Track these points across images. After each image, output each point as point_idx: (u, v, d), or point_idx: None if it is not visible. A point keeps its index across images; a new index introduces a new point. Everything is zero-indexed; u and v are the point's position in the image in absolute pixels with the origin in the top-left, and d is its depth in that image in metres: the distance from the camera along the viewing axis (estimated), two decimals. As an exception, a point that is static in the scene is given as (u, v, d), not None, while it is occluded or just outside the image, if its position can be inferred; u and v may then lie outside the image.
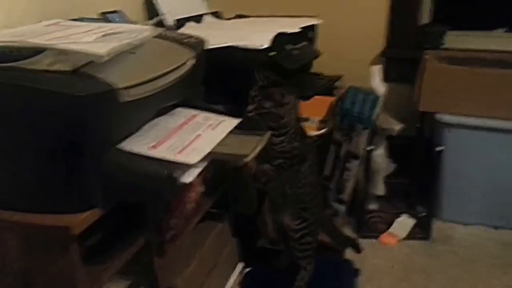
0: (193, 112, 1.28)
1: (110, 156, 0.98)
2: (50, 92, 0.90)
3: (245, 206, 1.68)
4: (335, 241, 1.82)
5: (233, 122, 1.27)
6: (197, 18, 2.01)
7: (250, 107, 1.47)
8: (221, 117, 1.28)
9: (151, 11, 1.95)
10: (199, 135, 1.17)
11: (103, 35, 1.06)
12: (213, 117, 1.27)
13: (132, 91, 0.97)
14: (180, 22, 1.90)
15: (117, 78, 0.97)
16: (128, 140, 1.06)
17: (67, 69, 0.95)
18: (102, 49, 0.92)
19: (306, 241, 1.63)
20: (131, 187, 1.00)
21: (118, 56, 1.03)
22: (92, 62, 0.97)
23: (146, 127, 1.14)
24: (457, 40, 2.42)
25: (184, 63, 1.23)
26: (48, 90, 0.90)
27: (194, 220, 1.43)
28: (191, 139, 1.14)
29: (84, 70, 0.96)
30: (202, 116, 1.27)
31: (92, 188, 0.98)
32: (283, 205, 1.62)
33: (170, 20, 1.87)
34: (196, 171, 1.07)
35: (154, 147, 1.07)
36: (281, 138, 1.49)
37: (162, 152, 1.05)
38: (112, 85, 0.94)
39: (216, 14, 2.15)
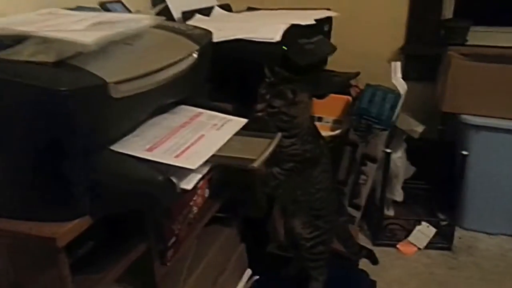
0: (197, 110, 1.18)
1: (99, 159, 0.87)
2: (30, 86, 0.80)
3: (254, 209, 1.64)
4: (349, 251, 1.73)
5: (240, 122, 1.17)
6: (206, 11, 1.92)
7: (259, 106, 1.37)
8: (227, 117, 1.18)
9: (157, 3, 1.84)
10: (202, 136, 1.06)
11: (95, 24, 0.95)
12: (219, 117, 1.18)
13: (123, 87, 0.87)
14: (187, 15, 1.80)
15: (107, 71, 0.86)
16: (122, 141, 0.96)
17: (51, 60, 0.84)
18: (89, 37, 0.81)
19: (318, 250, 1.55)
20: (124, 194, 0.89)
21: (111, 47, 0.93)
22: (81, 53, 0.87)
23: (143, 127, 1.04)
24: (481, 36, 2.31)
25: (187, 57, 1.12)
26: (27, 84, 0.80)
27: (199, 225, 1.38)
28: (192, 140, 1.03)
29: (70, 62, 0.85)
30: (206, 115, 1.17)
31: (80, 195, 0.88)
32: (294, 212, 1.53)
33: (176, 12, 1.76)
34: (197, 177, 0.96)
35: (150, 149, 0.96)
36: (292, 140, 1.40)
37: (158, 154, 0.95)
38: (101, 79, 0.83)
39: (225, 7, 2.05)
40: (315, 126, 1.49)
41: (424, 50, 2.33)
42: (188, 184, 0.94)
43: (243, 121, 1.17)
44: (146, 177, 0.87)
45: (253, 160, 1.00)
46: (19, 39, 0.88)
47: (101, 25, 0.95)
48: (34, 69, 0.83)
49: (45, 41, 0.86)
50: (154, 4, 1.83)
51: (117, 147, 0.93)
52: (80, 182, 0.86)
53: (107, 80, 0.84)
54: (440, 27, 2.32)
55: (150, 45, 1.07)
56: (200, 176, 0.96)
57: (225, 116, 1.18)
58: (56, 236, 0.83)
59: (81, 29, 0.91)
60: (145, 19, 1.07)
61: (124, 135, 0.96)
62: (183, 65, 1.09)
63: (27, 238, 0.86)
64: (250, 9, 2.14)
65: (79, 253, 1.00)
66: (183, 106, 1.18)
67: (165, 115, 1.12)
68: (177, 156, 0.95)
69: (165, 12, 1.74)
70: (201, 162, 0.95)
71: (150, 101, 0.99)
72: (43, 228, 0.86)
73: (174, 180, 0.90)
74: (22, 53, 0.85)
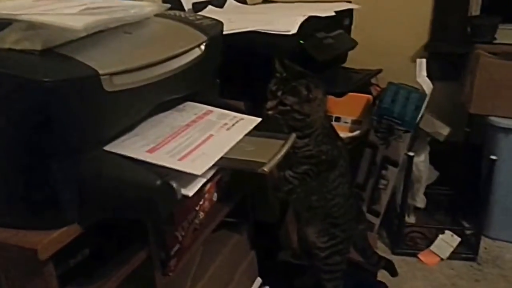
0: (206, 108, 1.08)
1: (90, 160, 0.78)
2: (10, 76, 0.70)
3: (267, 213, 1.58)
4: (368, 261, 1.64)
5: (253, 121, 1.07)
6: (219, 3, 1.82)
7: (269, 104, 1.26)
8: (239, 115, 1.08)
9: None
10: (210, 136, 0.96)
11: (91, 8, 0.85)
12: (230, 115, 1.07)
13: (118, 79, 0.77)
14: (198, 6, 1.71)
15: (100, 61, 0.77)
16: (120, 141, 0.86)
17: (37, 48, 0.75)
18: (79, 22, 0.71)
19: (334, 261, 1.46)
20: (117, 199, 0.79)
21: (107, 36, 0.84)
22: (71, 41, 0.78)
23: (145, 125, 0.94)
24: (510, 34, 2.23)
25: (193, 49, 1.02)
26: (9, 74, 0.71)
27: (206, 232, 1.29)
28: (199, 141, 0.93)
29: (58, 51, 0.75)
30: (216, 113, 1.07)
31: (67, 200, 0.78)
32: (308, 219, 1.44)
33: (187, 3, 1.68)
34: (201, 181, 0.86)
35: (151, 150, 0.86)
36: (306, 140, 1.29)
37: (160, 156, 0.85)
38: (92, 69, 0.74)
39: (240, -1, 1.96)
40: (331, 126, 1.40)
41: (449, 48, 2.25)
42: (190, 189, 0.84)
43: (256, 120, 1.07)
44: (142, 181, 0.77)
45: (263, 164, 0.90)
46: (2, 25, 0.79)
47: (97, 10, 0.85)
48: (17, 58, 0.74)
49: (31, 26, 0.77)
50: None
51: (113, 148, 0.83)
52: (67, 186, 0.76)
53: (100, 72, 0.74)
54: (467, 24, 2.24)
55: (152, 34, 0.98)
56: (204, 180, 0.86)
57: (236, 115, 1.08)
58: (38, 247, 0.74)
59: (74, 13, 0.81)
60: (148, 7, 0.98)
61: (120, 134, 0.86)
62: (188, 58, 0.99)
63: (4, 247, 0.78)
64: (266, 1, 2.06)
65: (72, 262, 0.92)
66: (190, 103, 1.08)
67: (170, 113, 1.02)
68: (181, 159, 0.85)
69: (176, 3, 1.65)
70: (208, 167, 0.85)
71: (150, 97, 0.88)
72: (24, 237, 0.77)
73: (174, 185, 0.80)
74: (5, 40, 0.76)
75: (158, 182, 0.76)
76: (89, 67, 0.73)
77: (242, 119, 1.07)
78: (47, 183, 0.75)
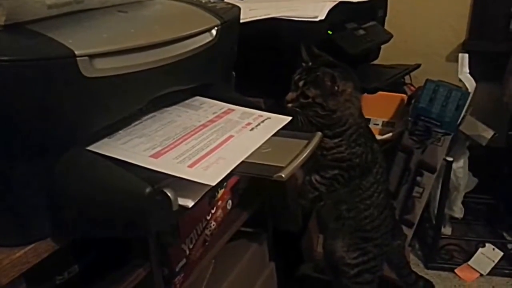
0: (227, 106, 0.94)
1: (64, 162, 0.64)
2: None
3: (288, 222, 1.50)
4: (403, 280, 1.51)
5: (282, 120, 0.92)
6: None
7: (290, 96, 1.14)
8: (266, 114, 0.94)
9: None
10: (229, 138, 0.81)
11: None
12: (254, 114, 0.93)
13: (100, 62, 0.63)
14: (216, -2, 1.58)
15: (79, 40, 0.63)
16: (121, 142, 0.73)
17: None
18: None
19: (364, 279, 1.36)
20: (97, 211, 0.65)
21: (96, 15, 0.72)
22: (48, 18, 0.64)
23: (154, 124, 0.81)
24: None
25: (203, 33, 0.88)
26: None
27: (219, 243, 1.21)
28: (216, 143, 0.78)
29: (28, 26, 0.62)
30: (239, 112, 0.93)
31: (34, 211, 0.65)
32: (336, 232, 1.33)
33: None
34: (203, 189, 0.70)
35: (156, 155, 0.71)
36: (336, 141, 1.17)
37: (166, 162, 0.70)
38: (67, 49, 0.60)
39: (263, -11, 1.83)
40: (367, 126, 1.27)
41: (490, 46, 2.16)
42: (190, 199, 0.69)
43: (286, 119, 0.92)
44: (128, 188, 0.62)
45: (280, 169, 0.75)
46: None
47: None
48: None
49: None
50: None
51: (107, 151, 0.70)
52: (34, 194, 0.63)
53: (76, 52, 0.60)
54: (509, 21, 2.13)
55: (153, 15, 0.84)
56: (208, 188, 0.71)
57: (262, 113, 0.93)
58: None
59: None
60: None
61: (108, 131, 0.73)
62: (196, 43, 0.85)
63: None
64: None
65: (59, 280, 0.81)
66: (208, 101, 0.95)
67: (184, 111, 0.89)
68: (191, 165, 0.70)
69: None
70: (224, 175, 0.70)
71: (144, 87, 0.74)
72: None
73: (170, 193, 0.65)
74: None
75: (148, 190, 0.61)
76: (62, 46, 0.59)
77: (268, 118, 0.92)
78: (8, 190, 0.61)
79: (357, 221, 1.29)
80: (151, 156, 0.71)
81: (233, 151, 0.77)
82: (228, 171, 0.71)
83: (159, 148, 0.73)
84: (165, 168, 0.68)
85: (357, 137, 1.19)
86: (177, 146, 0.75)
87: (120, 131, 0.76)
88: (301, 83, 1.13)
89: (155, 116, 0.84)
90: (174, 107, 0.90)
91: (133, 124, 0.79)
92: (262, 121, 0.90)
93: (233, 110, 0.93)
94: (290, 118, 0.93)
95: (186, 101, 0.93)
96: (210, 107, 0.93)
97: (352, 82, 1.14)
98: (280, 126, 0.89)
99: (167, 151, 0.73)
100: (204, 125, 0.84)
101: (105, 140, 0.73)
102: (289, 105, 1.14)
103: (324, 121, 1.14)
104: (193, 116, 0.87)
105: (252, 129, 0.87)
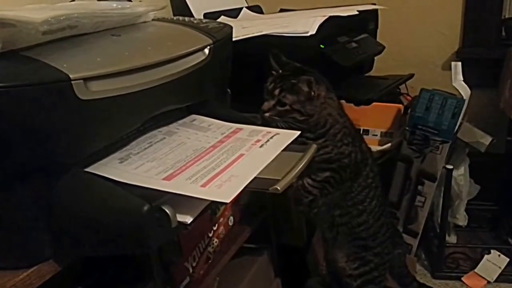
0: (235, 126, 0.96)
1: (63, 183, 0.65)
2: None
3: (293, 236, 1.47)
4: None
5: (291, 135, 0.93)
6: (233, 13, 1.73)
7: (266, 105, 1.14)
8: (274, 130, 0.95)
9: (178, 8, 1.66)
10: (240, 156, 0.82)
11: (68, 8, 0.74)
12: (263, 131, 0.94)
13: (95, 85, 0.64)
14: (210, 16, 1.61)
15: (74, 64, 0.64)
16: (133, 167, 0.74)
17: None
18: (38, 15, 0.59)
19: None
20: (97, 231, 0.66)
21: (89, 39, 0.73)
22: (42, 44, 0.66)
23: (164, 148, 0.82)
24: None
25: (195, 52, 0.90)
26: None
27: (223, 260, 1.19)
28: (227, 162, 0.79)
29: (22, 53, 0.63)
30: (247, 130, 0.94)
31: (36, 233, 0.66)
32: (334, 241, 1.32)
33: (197, 13, 1.58)
34: (201, 205, 0.71)
35: (169, 177, 0.72)
36: (320, 142, 1.16)
37: (179, 184, 0.71)
38: (62, 73, 0.62)
39: (255, 9, 1.85)
40: (352, 125, 1.26)
41: (484, 53, 2.14)
42: (188, 216, 0.69)
43: (295, 133, 0.93)
44: (126, 207, 0.63)
45: (276, 181, 0.76)
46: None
47: (73, 9, 0.73)
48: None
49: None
50: (173, 4, 1.65)
51: (118, 176, 0.70)
52: (35, 216, 0.64)
53: (71, 75, 0.62)
54: (501, 27, 2.13)
55: (146, 37, 0.86)
56: (205, 204, 0.72)
57: (270, 130, 0.95)
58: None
59: (37, 9, 0.70)
60: (142, 7, 0.86)
61: (105, 151, 0.74)
62: (189, 62, 0.87)
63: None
64: (283, 10, 1.94)
65: None
66: (216, 121, 0.96)
67: (193, 133, 0.90)
68: (204, 185, 0.71)
69: (186, 14, 1.56)
70: (238, 191, 0.70)
71: (139, 107, 0.75)
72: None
73: (168, 210, 0.66)
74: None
75: (146, 208, 0.62)
76: (57, 70, 0.61)
77: (277, 133, 0.93)
78: (9, 213, 0.62)
79: (350, 227, 1.28)
80: (163, 179, 0.72)
81: (245, 168, 0.78)
82: (242, 187, 0.71)
83: (171, 171, 0.74)
84: (178, 189, 0.69)
85: (342, 136, 1.19)
86: (188, 168, 0.76)
87: (132, 156, 0.77)
88: (276, 91, 1.13)
89: (165, 139, 0.85)
90: (183, 129, 0.91)
91: (143, 148, 0.80)
92: (271, 137, 0.91)
93: (241, 129, 0.94)
94: (299, 132, 0.94)
95: (194, 123, 0.95)
96: (218, 128, 0.94)
97: (324, 84, 1.16)
98: (290, 141, 0.90)
99: (179, 173, 0.74)
100: (214, 146, 0.85)
101: (117, 165, 0.74)
102: (266, 114, 1.13)
103: (303, 125, 1.14)
104: (202, 138, 0.88)
105: (261, 145, 0.88)
